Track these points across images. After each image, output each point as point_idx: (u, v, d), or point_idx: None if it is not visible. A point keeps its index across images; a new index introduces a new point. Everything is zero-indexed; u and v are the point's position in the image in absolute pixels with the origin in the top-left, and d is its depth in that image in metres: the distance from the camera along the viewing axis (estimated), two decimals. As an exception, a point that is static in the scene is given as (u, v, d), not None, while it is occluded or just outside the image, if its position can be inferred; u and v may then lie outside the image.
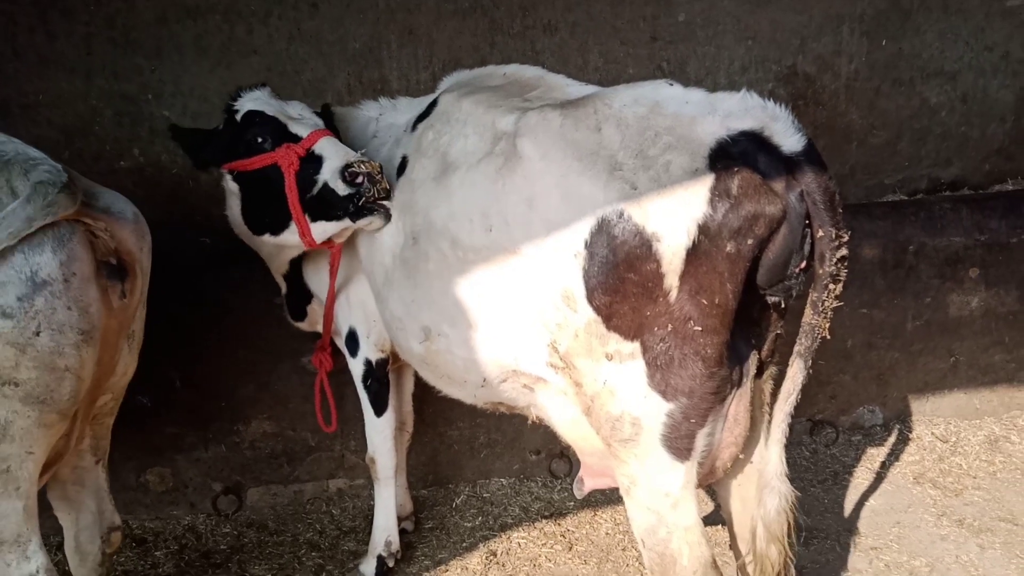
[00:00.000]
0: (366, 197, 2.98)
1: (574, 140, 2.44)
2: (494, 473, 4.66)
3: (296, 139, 3.14)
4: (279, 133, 3.18)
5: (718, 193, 2.22)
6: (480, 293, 2.67)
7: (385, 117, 3.61)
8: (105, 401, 2.98)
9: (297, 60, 4.91)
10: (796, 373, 2.50)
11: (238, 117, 3.29)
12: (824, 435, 4.81)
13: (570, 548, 4.09)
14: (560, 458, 4.66)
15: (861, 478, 4.53)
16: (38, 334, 2.51)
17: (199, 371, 4.25)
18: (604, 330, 2.41)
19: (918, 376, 4.86)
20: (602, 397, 2.50)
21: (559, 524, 4.28)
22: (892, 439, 4.82)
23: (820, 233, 2.30)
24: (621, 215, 2.31)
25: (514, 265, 2.55)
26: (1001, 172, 5.84)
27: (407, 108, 3.57)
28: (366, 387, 3.63)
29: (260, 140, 3.17)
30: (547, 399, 2.80)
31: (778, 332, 2.65)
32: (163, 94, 4.79)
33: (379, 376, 3.61)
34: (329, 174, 3.04)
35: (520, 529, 4.24)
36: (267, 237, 3.26)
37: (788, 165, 2.28)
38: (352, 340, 3.59)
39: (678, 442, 2.45)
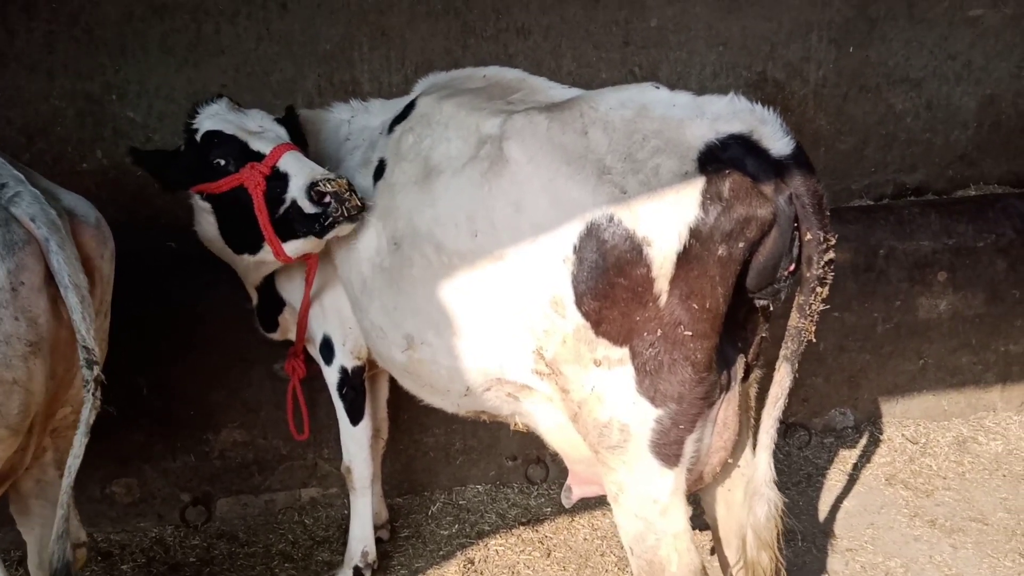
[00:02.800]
0: (333, 217, 2.88)
1: (561, 143, 2.41)
2: (470, 480, 4.60)
3: (259, 157, 3.03)
4: (241, 152, 3.07)
5: (710, 196, 2.21)
6: (465, 300, 2.62)
7: (357, 119, 3.54)
8: (65, 414, 2.86)
9: (266, 60, 4.82)
10: (783, 377, 2.50)
11: (198, 137, 3.18)
12: (797, 437, 4.84)
13: (548, 555, 4.05)
14: (537, 464, 4.62)
15: (834, 480, 4.56)
16: None
17: (167, 378, 4.13)
18: (593, 336, 2.39)
19: (888, 378, 4.92)
20: (589, 403, 2.47)
21: (537, 530, 4.24)
22: (863, 441, 4.87)
23: (808, 236, 2.30)
24: (611, 219, 2.28)
25: (501, 271, 2.51)
26: (964, 178, 5.96)
27: (380, 110, 3.50)
28: (341, 395, 3.56)
29: (223, 163, 3.07)
30: (532, 406, 2.76)
31: (763, 335, 2.64)
32: (127, 94, 4.67)
33: (355, 384, 3.54)
34: (296, 192, 2.94)
35: (498, 536, 4.20)
36: (247, 256, 3.19)
37: (777, 168, 2.27)
38: (327, 347, 3.52)
39: (667, 448, 2.43)
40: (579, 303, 2.37)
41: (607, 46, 5.24)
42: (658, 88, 2.46)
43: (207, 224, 3.26)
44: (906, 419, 5.01)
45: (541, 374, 2.59)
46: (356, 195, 2.88)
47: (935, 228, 4.78)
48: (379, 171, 3.04)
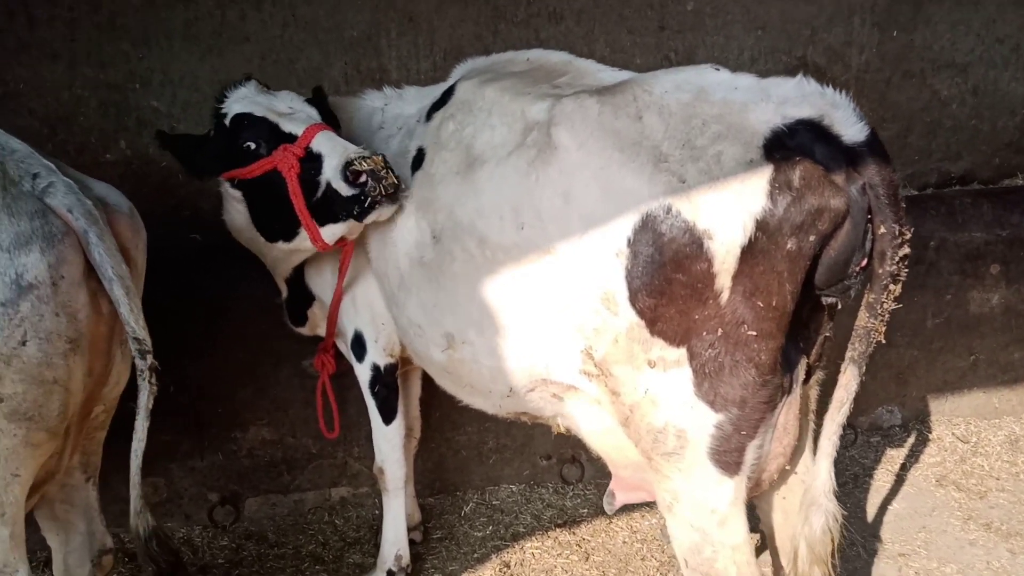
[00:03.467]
0: (371, 197, 2.75)
1: (614, 129, 2.25)
2: (503, 479, 4.47)
3: (291, 138, 2.91)
4: (272, 134, 2.94)
5: (778, 185, 2.04)
6: (510, 296, 2.47)
7: (391, 107, 3.40)
8: (97, 413, 2.77)
9: (292, 48, 4.69)
10: (850, 381, 2.34)
11: (227, 121, 3.05)
12: (843, 437, 4.64)
13: (587, 558, 3.91)
14: (572, 463, 4.48)
15: (882, 481, 4.39)
16: (24, 343, 2.30)
17: (193, 375, 4.02)
18: (647, 335, 2.23)
19: (937, 375, 4.73)
20: (643, 407, 2.32)
21: (574, 533, 4.10)
22: (912, 440, 4.68)
23: (882, 230, 2.14)
24: (668, 210, 2.12)
25: (548, 265, 2.35)
26: (1011, 166, 5.73)
27: (415, 98, 3.36)
28: (373, 393, 3.42)
29: (254, 146, 2.94)
30: (577, 409, 2.62)
31: (827, 335, 2.48)
32: (151, 83, 4.56)
33: (387, 382, 3.41)
34: (331, 173, 2.81)
35: (533, 538, 4.06)
36: (281, 244, 3.05)
37: (849, 156, 2.10)
38: (358, 344, 3.38)
39: (727, 456, 2.27)
40: (633, 300, 2.21)
41: (642, 31, 5.06)
42: (718, 70, 2.30)
43: (237, 213, 3.13)
44: (956, 417, 4.81)
45: (589, 375, 2.44)
46: (393, 172, 2.75)
47: (988, 219, 4.58)
48: (417, 161, 2.89)
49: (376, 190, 2.74)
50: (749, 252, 2.09)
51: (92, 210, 2.41)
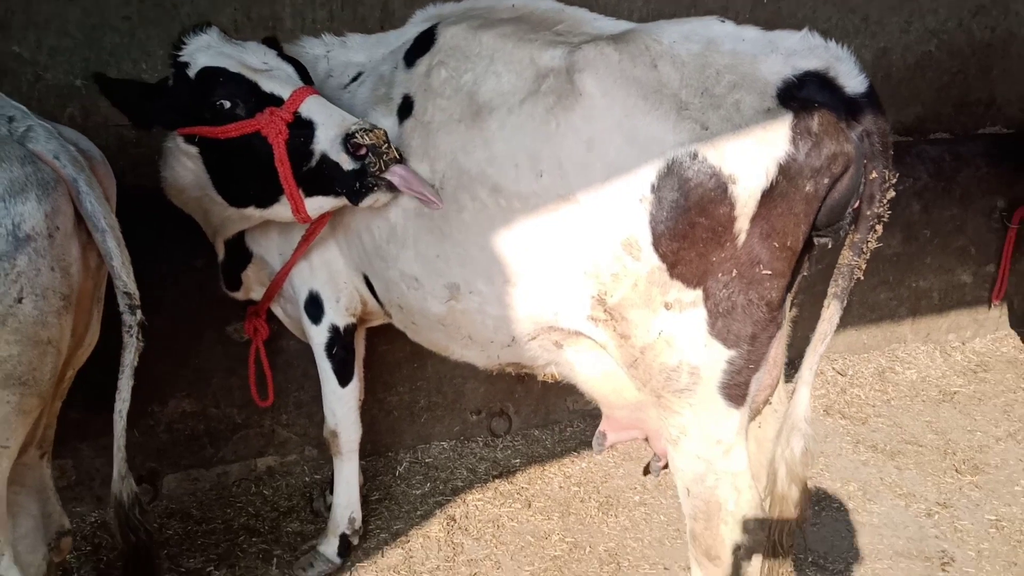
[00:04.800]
0: (371, 173, 2.62)
1: (635, 77, 2.30)
2: (434, 437, 4.47)
3: (276, 101, 2.68)
4: (250, 93, 2.70)
5: (799, 132, 2.18)
6: (525, 245, 2.47)
7: (335, 55, 3.25)
8: (67, 378, 2.54)
9: (176, -10, 4.34)
10: (832, 315, 2.54)
11: (190, 72, 2.76)
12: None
13: (529, 505, 4.01)
14: (500, 416, 4.55)
15: (779, 414, 4.78)
16: (20, 301, 2.09)
17: (106, 346, 3.68)
18: (667, 278, 2.32)
19: (816, 315, 5.17)
20: (656, 348, 2.42)
21: (511, 482, 4.19)
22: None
23: (873, 174, 2.33)
24: (695, 156, 2.21)
25: (568, 213, 2.38)
26: (859, 126, 6.35)
27: (362, 45, 3.24)
28: (330, 355, 3.30)
29: (229, 105, 2.69)
30: (576, 355, 2.68)
31: (804, 274, 2.68)
32: (11, 25, 4.07)
33: (346, 343, 3.30)
34: (327, 144, 2.63)
35: (473, 491, 4.11)
36: (251, 210, 2.82)
37: (850, 106, 2.27)
38: (314, 304, 3.24)
39: (736, 389, 2.42)
40: (656, 244, 2.29)
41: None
42: (723, 22, 2.40)
43: (184, 170, 2.89)
44: (834, 353, 5.33)
45: (597, 320, 2.50)
46: (393, 147, 2.62)
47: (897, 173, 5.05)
48: (405, 109, 2.78)
49: (376, 166, 2.60)
50: (769, 196, 2.22)
51: (77, 156, 2.20)
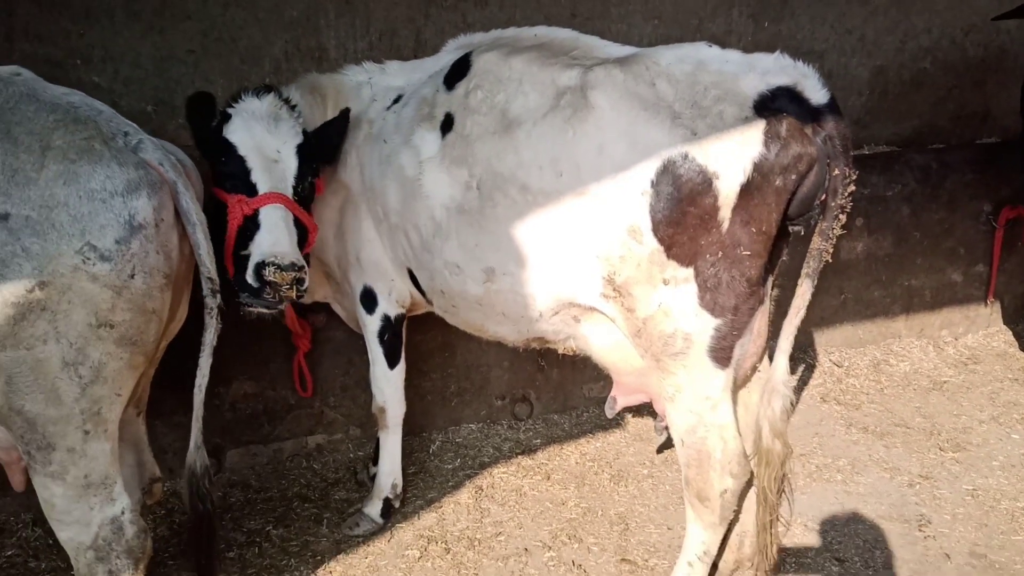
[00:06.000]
0: (263, 296, 3.07)
1: (636, 93, 2.80)
2: (464, 420, 4.95)
3: (252, 191, 3.20)
4: (242, 177, 3.22)
5: (770, 136, 2.66)
6: (548, 232, 2.97)
7: (377, 80, 3.79)
8: (162, 347, 3.04)
9: (233, 27, 4.86)
10: (805, 291, 2.98)
11: (223, 128, 3.30)
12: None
13: (548, 477, 4.47)
14: (522, 402, 5.02)
15: (779, 401, 5.22)
16: (132, 276, 2.59)
17: (179, 336, 4.21)
18: (665, 258, 2.80)
19: (816, 312, 5.63)
20: (656, 318, 2.89)
21: (532, 458, 4.65)
22: (800, 367, 5.57)
23: (836, 172, 2.79)
24: (685, 156, 2.70)
25: (583, 205, 2.88)
26: (859, 139, 6.75)
27: (400, 72, 3.79)
28: (382, 340, 3.81)
29: (224, 174, 3.24)
30: (591, 328, 3.16)
31: (783, 258, 3.14)
32: (92, 59, 4.62)
33: (397, 330, 3.83)
34: (254, 250, 3.12)
35: (499, 465, 4.57)
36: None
37: (814, 114, 2.75)
38: (368, 297, 3.77)
39: (722, 352, 2.89)
40: (655, 230, 2.78)
41: (556, 17, 5.60)
42: (711, 47, 2.89)
43: None
44: (831, 347, 5.75)
45: (607, 297, 2.98)
46: (298, 289, 3.07)
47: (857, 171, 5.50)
48: (447, 124, 3.31)
49: (272, 295, 3.07)
50: (747, 189, 2.70)
51: (176, 164, 2.71)
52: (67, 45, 4.48)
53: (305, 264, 3.15)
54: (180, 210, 2.72)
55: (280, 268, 3.04)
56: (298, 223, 3.27)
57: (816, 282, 3.00)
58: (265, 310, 3.18)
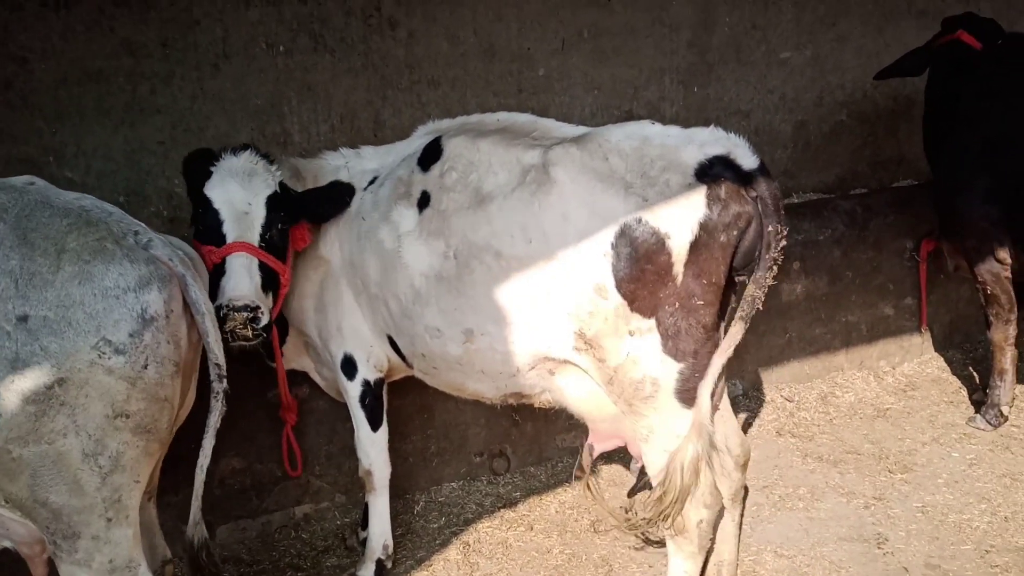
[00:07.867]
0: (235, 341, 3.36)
1: (592, 167, 3.16)
2: (445, 479, 5.15)
3: (221, 240, 3.51)
4: (214, 228, 3.53)
5: (712, 199, 3.03)
6: (522, 294, 3.28)
7: (353, 164, 4.11)
8: (172, 432, 3.21)
9: (201, 117, 5.14)
10: (737, 332, 3.20)
11: (204, 184, 3.62)
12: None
13: (531, 528, 4.69)
14: (500, 456, 5.25)
15: (738, 438, 5.55)
16: (146, 367, 2.78)
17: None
18: (629, 312, 3.12)
19: (764, 351, 6.02)
20: (625, 367, 3.20)
21: (515, 511, 4.87)
22: (752, 404, 5.92)
23: (769, 228, 3.15)
24: (639, 221, 3.05)
25: (552, 268, 3.20)
26: (787, 188, 7.26)
27: (374, 156, 4.11)
28: (363, 405, 4.04)
29: (200, 228, 3.58)
30: (565, 380, 3.45)
31: (732, 305, 3.49)
32: (65, 155, 4.83)
33: (377, 393, 4.06)
34: (221, 294, 3.40)
35: (483, 520, 4.78)
36: None
37: (746, 178, 3.13)
38: (349, 364, 4.00)
39: (686, 393, 3.20)
40: (618, 287, 3.10)
41: (504, 93, 6.01)
42: (653, 124, 3.28)
43: None
44: (781, 383, 6.13)
45: (579, 350, 3.28)
46: (253, 328, 3.36)
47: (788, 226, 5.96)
48: (423, 201, 3.62)
49: (229, 332, 3.33)
50: (695, 245, 3.05)
51: (184, 258, 2.95)
52: (40, 143, 4.69)
53: (262, 304, 3.43)
54: (189, 301, 2.94)
55: (234, 310, 3.31)
56: (266, 268, 3.54)
57: (748, 325, 3.29)
58: (245, 343, 3.42)
